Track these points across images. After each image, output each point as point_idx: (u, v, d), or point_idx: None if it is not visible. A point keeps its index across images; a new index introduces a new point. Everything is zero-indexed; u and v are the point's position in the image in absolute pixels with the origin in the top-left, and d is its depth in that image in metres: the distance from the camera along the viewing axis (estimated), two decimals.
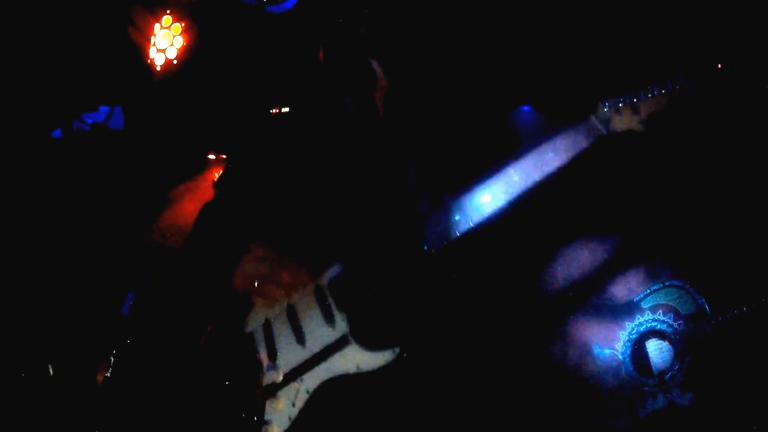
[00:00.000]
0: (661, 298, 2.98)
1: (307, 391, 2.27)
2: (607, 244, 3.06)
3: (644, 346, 2.97)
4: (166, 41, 3.54)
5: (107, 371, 3.23)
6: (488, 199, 2.18)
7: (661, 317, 2.94)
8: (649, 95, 2.09)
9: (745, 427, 2.80)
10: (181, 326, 2.59)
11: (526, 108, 2.96)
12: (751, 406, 2.80)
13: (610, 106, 2.13)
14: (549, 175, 2.13)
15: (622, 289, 3.05)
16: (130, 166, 3.48)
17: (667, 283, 2.98)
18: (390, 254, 2.23)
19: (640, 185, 3.01)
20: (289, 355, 2.32)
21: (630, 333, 2.99)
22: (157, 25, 3.60)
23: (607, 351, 3.00)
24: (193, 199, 3.21)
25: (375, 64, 2.39)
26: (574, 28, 2.91)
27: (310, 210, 2.39)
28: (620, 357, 2.98)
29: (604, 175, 2.88)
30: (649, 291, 3.01)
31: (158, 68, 3.57)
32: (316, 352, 2.29)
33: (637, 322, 2.98)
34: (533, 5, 3.05)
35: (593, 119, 2.14)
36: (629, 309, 3.02)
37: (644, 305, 3.01)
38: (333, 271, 2.32)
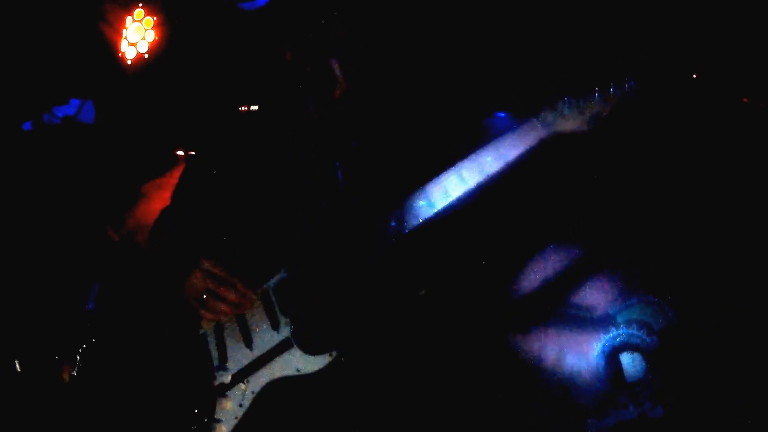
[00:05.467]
0: (636, 313, 2.95)
1: (253, 392, 2.36)
2: (581, 255, 3.03)
3: (617, 359, 2.93)
4: (137, 35, 3.49)
5: (72, 367, 3.20)
6: (431, 199, 2.21)
7: (635, 332, 2.92)
8: (596, 96, 2.08)
9: None
10: (138, 326, 2.60)
11: (501, 114, 2.93)
12: (723, 421, 2.77)
13: (554, 107, 2.12)
14: (492, 176, 2.13)
15: (597, 301, 3.03)
16: (100, 161, 3.45)
17: (642, 299, 2.96)
18: (341, 256, 2.26)
19: (614, 196, 2.97)
20: (238, 357, 2.40)
21: (604, 345, 2.95)
22: (129, 18, 3.56)
23: (579, 362, 2.97)
24: (162, 197, 3.16)
25: (336, 66, 2.38)
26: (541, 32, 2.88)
27: (261, 223, 2.42)
28: (593, 368, 2.95)
29: (570, 184, 2.86)
30: (624, 305, 2.98)
31: (129, 62, 3.53)
32: (261, 354, 2.37)
33: (611, 334, 2.95)
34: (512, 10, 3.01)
35: (535, 120, 2.14)
36: (604, 321, 2.98)
37: (619, 319, 2.99)
38: (278, 276, 2.37)
